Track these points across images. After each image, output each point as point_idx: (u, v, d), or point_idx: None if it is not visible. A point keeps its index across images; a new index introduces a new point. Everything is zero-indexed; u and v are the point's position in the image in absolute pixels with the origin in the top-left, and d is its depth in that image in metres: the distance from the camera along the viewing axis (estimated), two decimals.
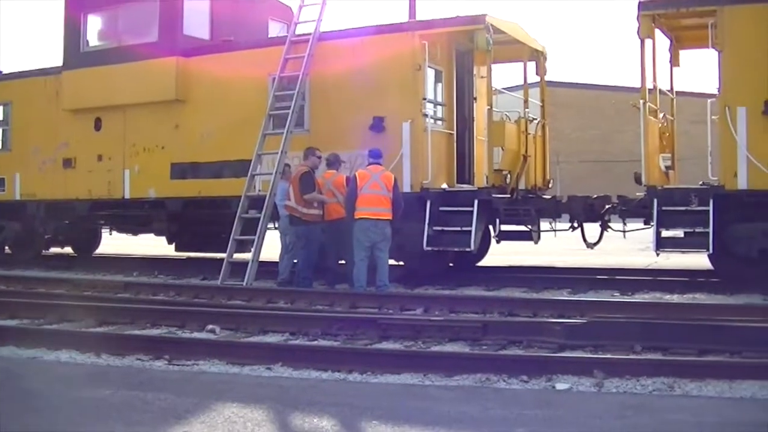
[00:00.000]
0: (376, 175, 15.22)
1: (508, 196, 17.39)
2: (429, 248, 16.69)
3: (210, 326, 11.61)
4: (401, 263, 17.62)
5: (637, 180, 16.32)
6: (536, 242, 18.08)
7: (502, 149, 17.46)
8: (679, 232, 15.99)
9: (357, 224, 15.18)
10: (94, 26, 21.42)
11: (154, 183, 20.14)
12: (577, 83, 57.96)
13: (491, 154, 17.31)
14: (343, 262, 16.34)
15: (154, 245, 25.48)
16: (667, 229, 15.85)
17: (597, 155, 55.69)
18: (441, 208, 16.88)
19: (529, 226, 17.68)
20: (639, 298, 14.85)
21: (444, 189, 17.38)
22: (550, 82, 21.38)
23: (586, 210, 17.06)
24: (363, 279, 15.17)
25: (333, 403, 7.32)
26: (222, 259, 17.17)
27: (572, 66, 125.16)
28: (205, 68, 19.46)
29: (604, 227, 17.06)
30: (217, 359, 9.52)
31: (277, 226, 17.46)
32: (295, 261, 16.56)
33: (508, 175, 17.64)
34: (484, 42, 16.83)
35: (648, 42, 16.57)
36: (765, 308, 12.71)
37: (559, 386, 8.06)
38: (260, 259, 16.78)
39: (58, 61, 21.86)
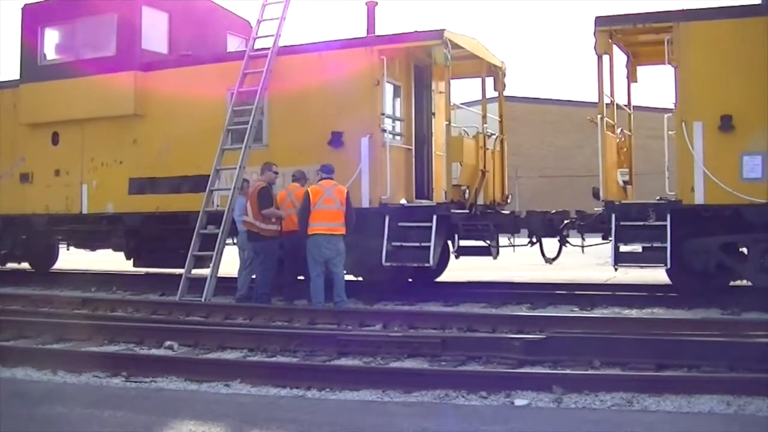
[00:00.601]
0: (329, 190, 15.22)
1: (467, 211, 17.43)
2: (388, 264, 16.67)
3: (168, 342, 11.55)
4: (360, 278, 17.61)
5: (596, 195, 16.40)
6: (495, 257, 18.14)
7: (461, 164, 17.51)
8: (637, 247, 16.07)
9: (310, 240, 15.17)
10: (51, 40, 21.28)
11: (113, 198, 20.00)
12: (535, 98, 58.18)
13: (450, 169, 17.32)
14: (302, 277, 16.29)
15: (112, 261, 25.30)
16: (625, 244, 15.92)
17: (555, 170, 55.88)
18: (400, 224, 16.87)
19: (488, 242, 17.74)
20: (598, 313, 14.88)
21: (403, 204, 17.37)
22: (509, 97, 21.48)
23: (545, 225, 17.11)
24: (320, 295, 15.15)
25: (291, 420, 7.30)
26: (180, 275, 17.08)
27: (531, 81, 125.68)
28: (163, 83, 19.38)
29: (563, 242, 17.12)
30: (175, 376, 9.47)
31: (235, 241, 17.40)
32: (254, 276, 16.51)
33: (467, 191, 17.68)
34: (442, 57, 16.86)
35: (605, 57, 16.66)
36: (723, 323, 12.77)
37: (518, 402, 8.06)
38: (219, 275, 16.70)
39: (15, 73, 21.70)
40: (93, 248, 23.00)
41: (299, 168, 16.74)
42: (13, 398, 8.47)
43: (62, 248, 24.96)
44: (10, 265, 24.36)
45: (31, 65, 21.07)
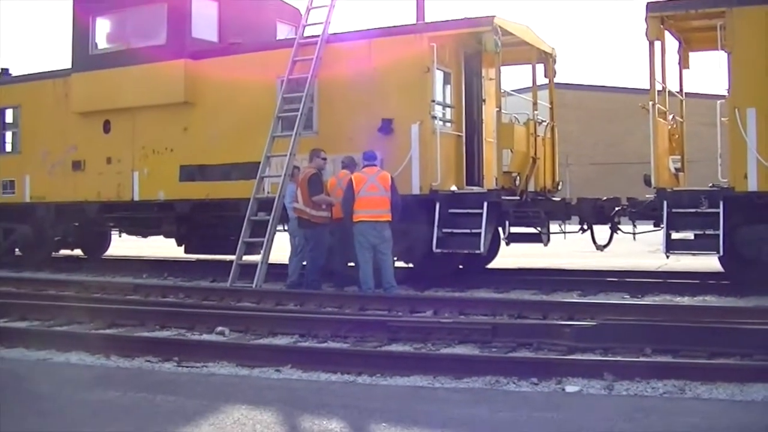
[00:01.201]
0: (373, 177, 15.21)
1: (518, 198, 17.37)
2: (438, 250, 16.66)
3: (219, 328, 11.61)
4: (410, 265, 17.61)
5: (647, 182, 16.29)
6: (546, 244, 18.06)
7: (511, 151, 17.42)
8: (689, 234, 15.93)
9: (356, 227, 15.19)
10: (102, 29, 21.44)
11: (163, 185, 20.15)
12: (586, 85, 57.87)
13: (500, 156, 17.27)
14: (352, 264, 16.31)
15: (163, 247, 25.50)
16: (677, 231, 15.81)
17: (606, 157, 55.57)
18: (450, 211, 16.84)
19: (539, 229, 17.67)
20: (649, 300, 14.78)
21: (453, 191, 17.34)
22: (559, 84, 21.36)
23: (596, 212, 17.02)
24: (369, 281, 15.16)
25: (342, 405, 7.31)
26: (231, 262, 17.17)
27: (581, 68, 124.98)
28: (213, 71, 19.47)
29: (614, 229, 17.02)
30: (226, 361, 9.52)
31: (286, 228, 17.45)
32: (304, 263, 16.55)
33: (518, 178, 17.60)
34: (492, 44, 16.80)
35: (657, 44, 16.52)
36: None
37: (569, 389, 8.03)
38: (269, 262, 16.77)
39: (67, 63, 21.89)
40: (144, 235, 23.20)
41: (349, 155, 16.73)
42: (68, 383, 8.56)
43: (114, 235, 25.16)
44: (63, 252, 24.62)
45: (83, 54, 21.25)
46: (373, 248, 15.14)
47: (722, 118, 15.90)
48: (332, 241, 16.44)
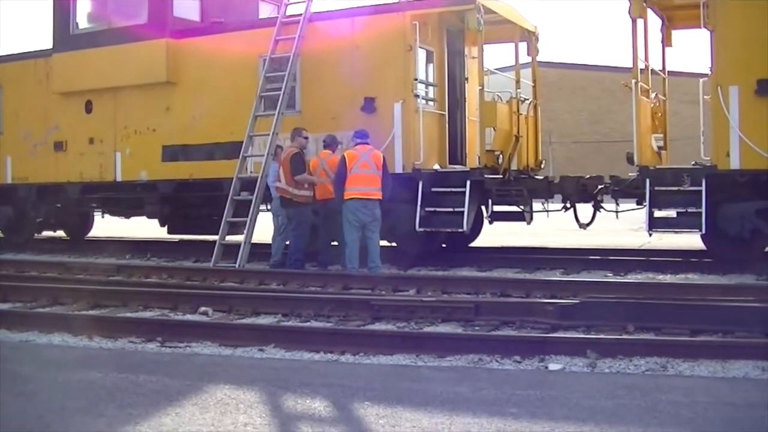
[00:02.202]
0: (365, 155, 15.17)
1: (501, 176, 17.35)
2: (421, 229, 16.68)
3: (202, 308, 11.60)
4: (394, 244, 17.61)
5: (630, 160, 16.32)
6: (529, 223, 18.06)
7: (494, 130, 17.39)
8: (671, 213, 15.99)
9: (346, 205, 15.13)
10: (83, 8, 21.31)
11: (146, 166, 20.09)
12: (568, 63, 58.01)
13: (483, 134, 17.26)
14: (335, 243, 16.31)
15: (146, 228, 25.46)
16: (659, 210, 15.85)
17: (589, 136, 55.71)
18: (433, 189, 16.85)
19: (522, 207, 17.66)
20: (632, 278, 14.86)
21: (436, 170, 17.34)
22: (542, 62, 21.38)
23: (579, 190, 17.05)
24: (355, 260, 15.14)
25: (325, 384, 7.32)
26: (214, 242, 17.15)
27: (564, 46, 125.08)
28: (195, 50, 19.41)
29: (597, 208, 17.05)
30: (209, 341, 9.52)
31: (269, 207, 17.43)
32: (287, 243, 16.55)
33: (500, 156, 17.58)
34: (475, 22, 16.77)
35: (640, 22, 16.52)
36: (757, 288, 12.71)
37: (552, 366, 8.06)
38: (252, 241, 16.76)
39: (48, 43, 21.80)
40: (127, 216, 23.11)
41: (330, 133, 16.71)
42: (50, 364, 8.54)
43: (97, 216, 25.10)
44: (46, 233, 24.54)
45: (64, 34, 21.15)
46: (362, 227, 15.11)
47: (705, 96, 15.91)
48: (315, 220, 16.44)
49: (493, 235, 20.65)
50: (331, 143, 16.48)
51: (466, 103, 19.04)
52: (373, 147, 15.59)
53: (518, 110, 18.32)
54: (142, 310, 12.00)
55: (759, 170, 14.87)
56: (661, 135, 18.05)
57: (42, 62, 21.86)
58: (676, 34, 18.72)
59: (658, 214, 15.87)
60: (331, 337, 9.45)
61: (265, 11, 21.70)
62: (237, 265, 16.17)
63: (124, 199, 21.43)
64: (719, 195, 15.32)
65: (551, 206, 17.84)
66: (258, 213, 17.05)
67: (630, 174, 16.63)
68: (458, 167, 18.14)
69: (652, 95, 17.99)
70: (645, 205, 15.73)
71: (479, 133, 17.41)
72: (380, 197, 15.19)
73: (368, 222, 15.09)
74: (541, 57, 20.17)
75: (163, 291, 13.02)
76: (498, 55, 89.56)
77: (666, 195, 15.62)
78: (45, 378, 7.86)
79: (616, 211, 16.97)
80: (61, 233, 24.90)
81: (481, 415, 6.34)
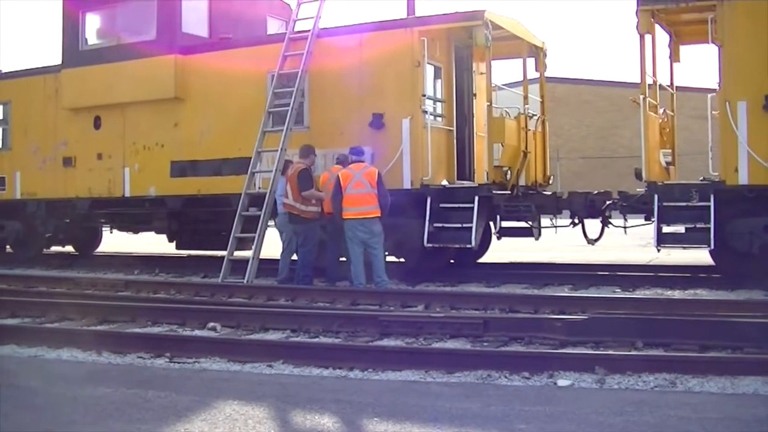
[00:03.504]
0: (359, 174, 15.16)
1: (509, 192, 17.37)
2: (429, 245, 16.66)
3: (211, 324, 11.61)
4: (402, 260, 17.61)
5: (638, 176, 16.31)
6: (537, 239, 18.08)
7: (502, 145, 17.40)
8: (680, 228, 15.94)
9: (345, 224, 15.20)
10: (92, 24, 21.37)
11: (154, 181, 20.12)
12: (576, 79, 57.97)
13: (491, 150, 17.26)
14: (343, 259, 16.32)
15: (154, 243, 25.49)
16: (667, 225, 15.81)
17: (597, 151, 55.69)
18: (441, 205, 16.84)
19: (530, 223, 17.68)
20: (640, 294, 14.82)
21: (444, 186, 17.34)
22: (550, 78, 21.37)
23: (587, 206, 17.05)
24: (361, 276, 15.15)
25: (334, 400, 7.32)
26: (222, 257, 17.17)
27: (572, 62, 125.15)
28: (203, 66, 19.44)
29: (605, 223, 17.05)
30: (218, 357, 9.52)
31: (274, 223, 17.43)
32: (294, 258, 16.55)
33: (509, 172, 17.60)
34: (482, 38, 16.79)
35: (647, 37, 16.52)
36: (766, 304, 12.68)
37: (561, 383, 8.05)
38: (261, 257, 16.76)
39: (57, 59, 21.86)
40: (136, 231, 23.16)
41: (343, 152, 16.70)
42: (59, 379, 8.56)
43: (105, 231, 25.15)
44: (54, 249, 24.60)
45: (73, 50, 21.20)
46: (364, 244, 15.13)
47: (713, 112, 15.88)
48: (323, 236, 16.44)
49: (502, 250, 20.64)
50: (343, 161, 16.45)
51: (474, 119, 19.07)
52: (379, 163, 15.58)
53: (526, 126, 18.34)
54: (150, 325, 12.03)
55: (767, 185, 14.85)
56: (669, 150, 18.03)
57: (51, 78, 21.93)
58: (684, 50, 18.74)
59: (666, 229, 15.83)
60: (340, 352, 9.46)
61: (273, 27, 21.76)
62: (245, 281, 16.17)
63: (133, 214, 21.51)
64: (727, 210, 15.29)
65: (559, 222, 17.85)
66: (266, 228, 17.05)
67: (638, 189, 16.62)
68: (466, 183, 18.15)
69: (660, 110, 17.99)
70: (653, 221, 15.70)
71: (487, 148, 17.40)
72: (378, 215, 15.18)
73: (367, 239, 15.09)
74: (549, 72, 20.18)
75: (171, 306, 13.03)
76: (506, 70, 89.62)
77: (674, 210, 15.59)
78: (54, 393, 7.88)
79: (625, 227, 16.92)
80: (69, 248, 24.95)
81: (490, 431, 6.34)
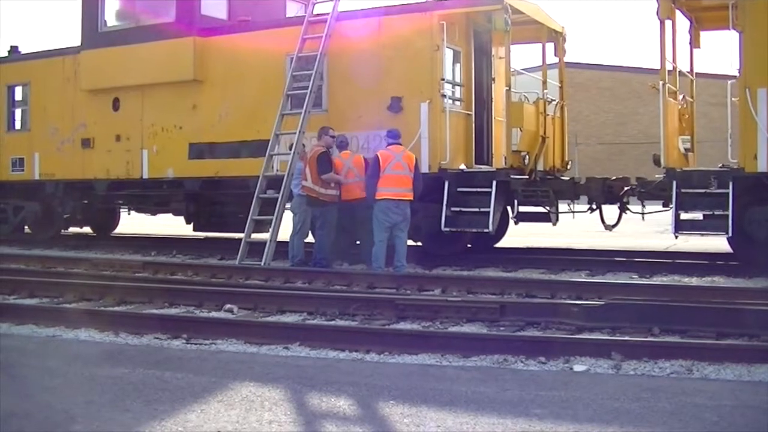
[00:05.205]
0: (399, 156, 15.14)
1: (527, 177, 17.34)
2: (447, 229, 16.66)
3: (228, 306, 11.62)
4: (419, 244, 17.61)
5: (656, 162, 16.25)
6: (554, 224, 18.05)
7: (521, 130, 17.38)
8: (698, 215, 15.89)
9: (378, 205, 15.11)
10: (111, 6, 21.36)
11: (173, 163, 20.17)
12: (596, 64, 57.80)
13: (510, 135, 17.25)
14: (358, 242, 16.33)
15: (172, 225, 25.54)
16: (686, 212, 15.77)
17: (615, 137, 55.54)
18: (459, 189, 16.85)
19: (548, 208, 17.64)
20: (657, 280, 14.78)
21: (462, 170, 17.33)
22: (569, 63, 21.30)
23: (605, 192, 17.00)
24: (382, 259, 15.14)
25: (350, 383, 7.33)
26: (240, 239, 17.19)
27: (591, 47, 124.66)
28: (222, 48, 19.46)
29: (623, 209, 17.00)
30: (234, 338, 9.54)
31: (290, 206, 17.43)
32: (307, 240, 16.57)
33: (527, 156, 17.58)
34: (502, 22, 16.76)
35: (668, 23, 16.45)
36: None
37: (577, 368, 8.04)
38: (278, 240, 16.78)
39: (76, 41, 21.89)
40: (153, 213, 23.24)
41: (342, 134, 16.72)
42: (77, 359, 8.59)
43: (123, 213, 25.22)
44: (72, 230, 24.68)
45: (92, 32, 21.23)
46: (392, 227, 15.10)
47: (733, 98, 15.81)
48: (341, 219, 16.42)
49: (519, 235, 20.62)
50: (343, 142, 16.50)
51: (493, 104, 19.04)
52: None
53: (545, 111, 18.31)
54: (167, 306, 12.05)
55: None
56: (688, 137, 17.98)
57: (70, 59, 21.98)
58: (705, 36, 18.67)
59: (684, 216, 15.79)
60: (356, 335, 9.45)
61: (292, 10, 21.73)
62: (262, 263, 16.19)
63: (151, 196, 21.57)
64: (746, 198, 15.25)
65: (577, 207, 17.80)
66: (284, 211, 17.06)
67: (656, 175, 16.58)
68: (484, 167, 18.14)
69: (680, 97, 17.92)
70: (671, 207, 15.66)
71: (506, 133, 17.39)
72: (411, 198, 15.18)
73: (399, 222, 15.07)
74: (568, 57, 20.11)
75: (188, 288, 13.07)
76: (525, 55, 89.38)
77: (693, 197, 15.55)
78: (71, 373, 7.91)
79: (642, 213, 16.90)
80: (87, 229, 25.04)
81: (506, 416, 6.34)
